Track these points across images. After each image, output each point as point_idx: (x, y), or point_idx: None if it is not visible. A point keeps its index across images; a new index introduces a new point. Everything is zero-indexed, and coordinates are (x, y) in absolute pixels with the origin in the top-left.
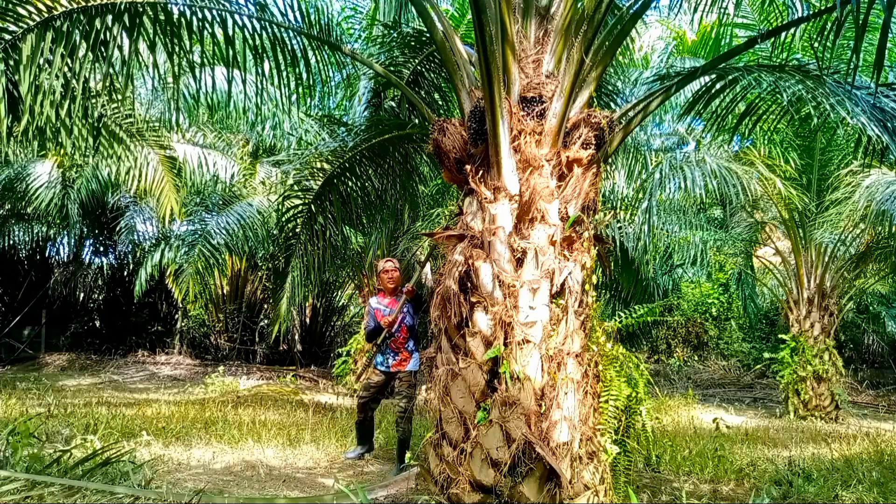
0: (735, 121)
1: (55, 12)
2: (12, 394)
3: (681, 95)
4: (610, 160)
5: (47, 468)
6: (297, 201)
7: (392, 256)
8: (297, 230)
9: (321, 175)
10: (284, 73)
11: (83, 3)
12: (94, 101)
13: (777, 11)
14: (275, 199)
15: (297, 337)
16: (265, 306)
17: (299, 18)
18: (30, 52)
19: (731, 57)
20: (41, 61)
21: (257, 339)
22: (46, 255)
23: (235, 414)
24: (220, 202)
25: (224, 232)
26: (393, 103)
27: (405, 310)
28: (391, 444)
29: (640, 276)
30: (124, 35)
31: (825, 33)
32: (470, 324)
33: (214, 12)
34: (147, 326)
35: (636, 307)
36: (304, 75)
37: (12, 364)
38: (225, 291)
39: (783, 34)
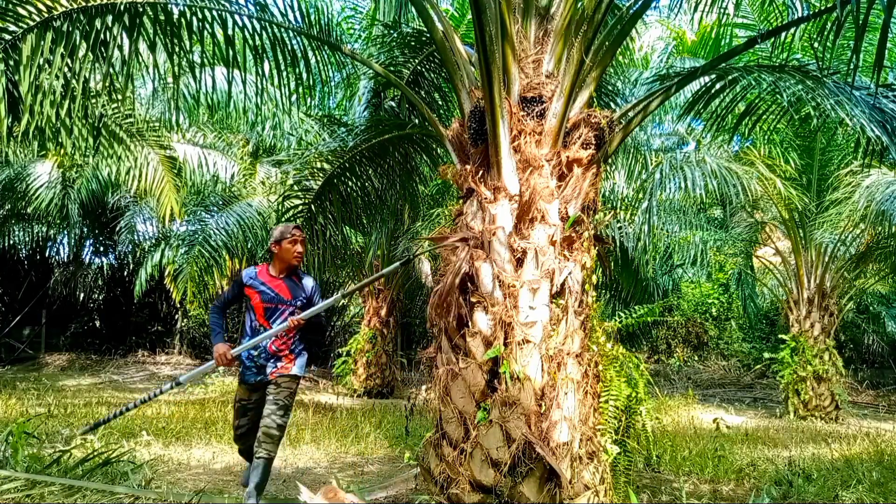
0: (735, 121)
1: (55, 12)
2: (12, 394)
3: (681, 95)
4: (610, 160)
5: (47, 468)
6: (297, 201)
7: (392, 256)
8: None
9: (321, 175)
10: (284, 73)
11: (83, 3)
12: (94, 101)
13: (777, 11)
14: (275, 199)
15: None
16: None
17: (299, 18)
18: (30, 52)
19: (731, 57)
20: (41, 61)
21: None
22: (46, 255)
23: None
24: (220, 202)
25: (223, 232)
26: (393, 103)
27: (299, 300)
28: (392, 443)
29: (640, 276)
30: (124, 35)
31: (825, 33)
32: (470, 324)
33: (214, 12)
34: (147, 326)
35: (636, 307)
36: (304, 75)
37: (12, 364)
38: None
39: (783, 34)
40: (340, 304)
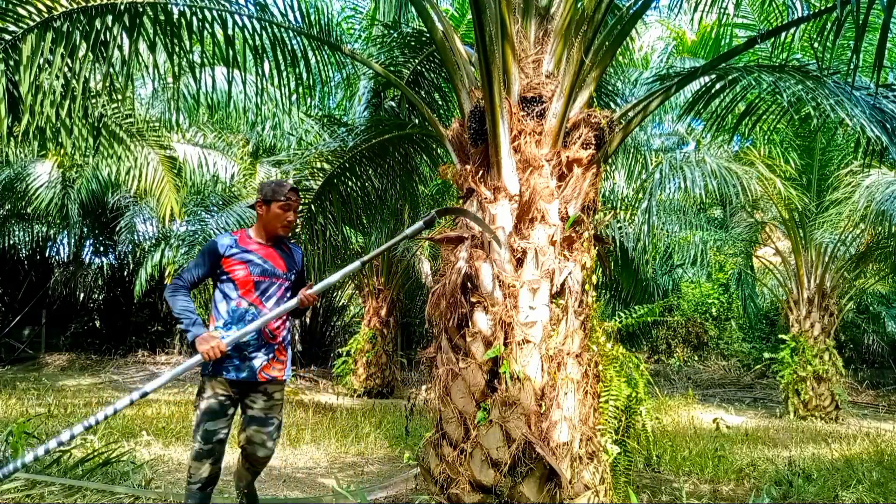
0: (735, 121)
1: (55, 12)
2: (12, 394)
3: (681, 95)
4: (610, 160)
5: (47, 468)
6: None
7: (392, 256)
8: (297, 230)
9: (321, 175)
10: (284, 73)
11: (83, 4)
12: (94, 101)
13: (777, 11)
14: None
15: (296, 337)
16: None
17: (299, 18)
18: (30, 53)
19: (731, 57)
20: (41, 61)
21: None
22: (46, 255)
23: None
24: (220, 202)
25: (224, 232)
26: (393, 103)
27: (293, 273)
28: (392, 443)
29: (640, 276)
30: (124, 35)
31: (825, 33)
32: (470, 324)
33: (214, 12)
34: (147, 326)
35: (636, 307)
36: (304, 75)
37: (12, 364)
38: None
39: (783, 34)
40: (340, 304)
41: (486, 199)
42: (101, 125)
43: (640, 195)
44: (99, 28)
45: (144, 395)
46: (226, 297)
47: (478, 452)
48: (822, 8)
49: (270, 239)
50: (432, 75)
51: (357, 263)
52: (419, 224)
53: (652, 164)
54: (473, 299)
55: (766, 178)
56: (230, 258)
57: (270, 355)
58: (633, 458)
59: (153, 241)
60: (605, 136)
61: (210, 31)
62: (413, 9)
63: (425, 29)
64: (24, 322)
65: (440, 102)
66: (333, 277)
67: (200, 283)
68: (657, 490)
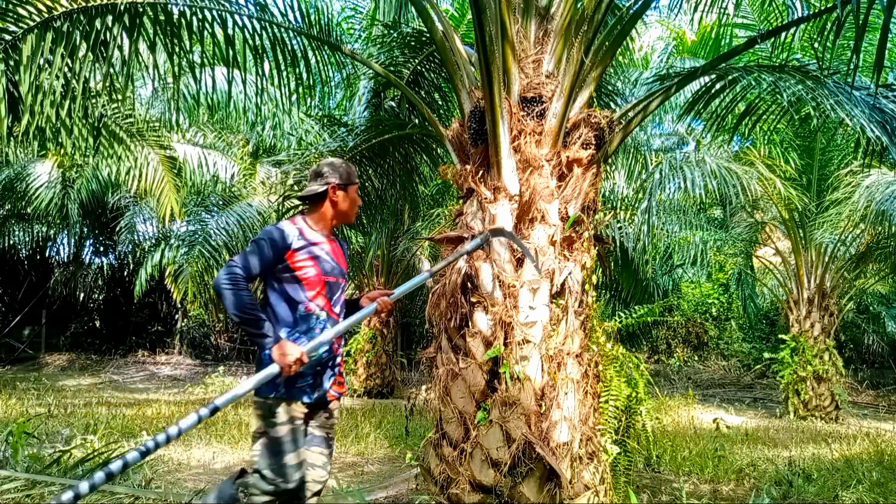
0: (735, 121)
1: (55, 13)
2: (12, 394)
3: (681, 95)
4: (610, 160)
5: (47, 468)
6: (297, 201)
7: (392, 256)
8: None
9: None
10: (284, 73)
11: (83, 4)
12: (94, 101)
13: (777, 11)
14: (275, 200)
15: None
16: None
17: (299, 18)
18: (30, 53)
19: (731, 57)
20: (41, 61)
21: None
22: (46, 255)
23: (235, 414)
24: (220, 202)
25: (224, 232)
26: (393, 103)
27: (343, 285)
28: (392, 443)
29: (640, 276)
30: (124, 35)
31: (825, 33)
32: (470, 324)
33: (214, 12)
34: (147, 326)
35: (636, 307)
36: (304, 75)
37: (12, 364)
38: None
39: (783, 34)
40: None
41: (486, 199)
42: (101, 125)
43: (640, 195)
44: (99, 28)
45: (216, 410)
46: (289, 299)
47: (478, 452)
48: (822, 8)
49: (332, 231)
50: (432, 75)
51: (426, 274)
52: (477, 241)
53: (652, 164)
54: (473, 299)
55: (766, 178)
56: (297, 251)
57: (336, 370)
58: (633, 458)
59: (153, 241)
60: (605, 136)
61: (210, 31)
62: (413, 9)
63: (425, 29)
64: (24, 322)
65: (440, 102)
66: (408, 285)
67: (258, 278)
68: (657, 490)
